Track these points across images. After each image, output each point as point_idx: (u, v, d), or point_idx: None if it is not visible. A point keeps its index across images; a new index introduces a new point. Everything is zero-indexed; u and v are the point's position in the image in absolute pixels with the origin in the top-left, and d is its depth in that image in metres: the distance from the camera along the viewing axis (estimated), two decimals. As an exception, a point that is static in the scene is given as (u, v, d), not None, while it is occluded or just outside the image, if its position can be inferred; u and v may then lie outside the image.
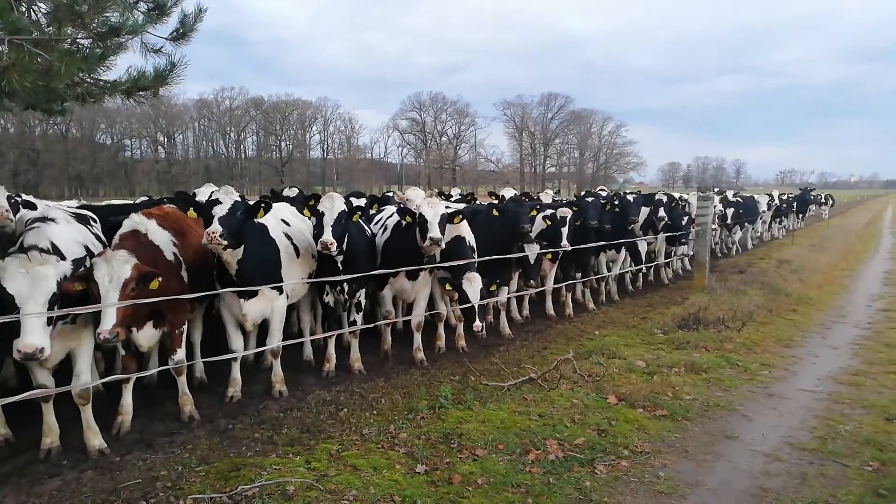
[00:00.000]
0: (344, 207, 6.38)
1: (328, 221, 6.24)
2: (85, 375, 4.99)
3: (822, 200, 33.85)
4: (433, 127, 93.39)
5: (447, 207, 7.80)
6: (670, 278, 14.03)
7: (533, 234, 8.98)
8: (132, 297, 4.72)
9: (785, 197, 26.37)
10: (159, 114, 77.73)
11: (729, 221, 17.76)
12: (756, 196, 22.35)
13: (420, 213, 6.90)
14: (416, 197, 9.05)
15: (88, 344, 5.01)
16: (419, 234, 6.90)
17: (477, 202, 12.45)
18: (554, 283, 10.22)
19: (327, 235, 6.19)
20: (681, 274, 14.82)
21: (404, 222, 7.11)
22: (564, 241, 9.14)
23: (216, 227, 5.33)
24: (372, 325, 7.61)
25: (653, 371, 6.92)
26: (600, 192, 16.38)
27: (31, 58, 4.68)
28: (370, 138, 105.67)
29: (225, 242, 5.35)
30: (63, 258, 4.79)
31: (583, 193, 15.78)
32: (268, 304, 6.16)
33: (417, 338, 7.68)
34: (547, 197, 12.65)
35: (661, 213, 12.10)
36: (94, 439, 5.02)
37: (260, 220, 5.99)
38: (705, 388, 6.48)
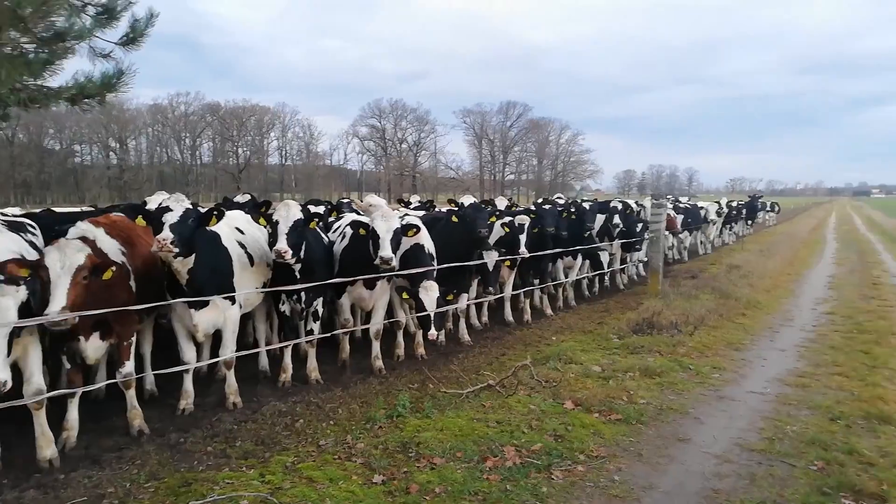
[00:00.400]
0: (300, 215, 6.31)
1: (283, 230, 6.16)
2: (37, 378, 4.78)
3: (768, 208, 35.01)
4: (393, 134, 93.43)
5: (404, 217, 7.80)
6: (625, 284, 14.30)
7: (492, 242, 9.04)
8: (84, 286, 4.63)
9: (735, 204, 27.19)
10: (111, 119, 75.66)
11: (678, 228, 18.19)
12: (702, 203, 22.94)
13: (373, 228, 6.81)
14: (380, 203, 9.03)
15: (35, 349, 4.81)
16: (371, 249, 6.84)
17: (436, 209, 12.49)
18: (512, 290, 10.31)
19: (282, 244, 6.11)
20: (636, 279, 15.11)
21: (359, 234, 7.07)
22: (522, 248, 9.22)
23: (167, 234, 5.20)
24: (329, 335, 7.53)
25: (608, 376, 7.03)
26: (557, 199, 16.61)
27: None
28: (330, 145, 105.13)
29: (175, 250, 5.23)
30: None
31: (540, 200, 15.94)
32: (220, 315, 6.02)
33: (376, 346, 7.62)
34: (501, 203, 12.74)
35: (616, 220, 12.34)
36: (47, 449, 4.85)
37: (212, 228, 5.88)
38: (659, 391, 6.61)
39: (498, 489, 4.48)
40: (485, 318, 10.24)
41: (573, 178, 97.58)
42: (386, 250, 6.64)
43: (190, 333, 6.03)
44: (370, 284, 7.33)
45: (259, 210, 6.50)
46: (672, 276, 14.50)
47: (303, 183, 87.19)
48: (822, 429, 5.60)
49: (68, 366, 5.31)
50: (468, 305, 9.53)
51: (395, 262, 6.75)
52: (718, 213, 22.59)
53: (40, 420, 4.85)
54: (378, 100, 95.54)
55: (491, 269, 8.88)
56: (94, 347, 5.24)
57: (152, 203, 7.26)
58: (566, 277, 11.70)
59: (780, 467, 4.88)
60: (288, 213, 6.24)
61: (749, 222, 29.54)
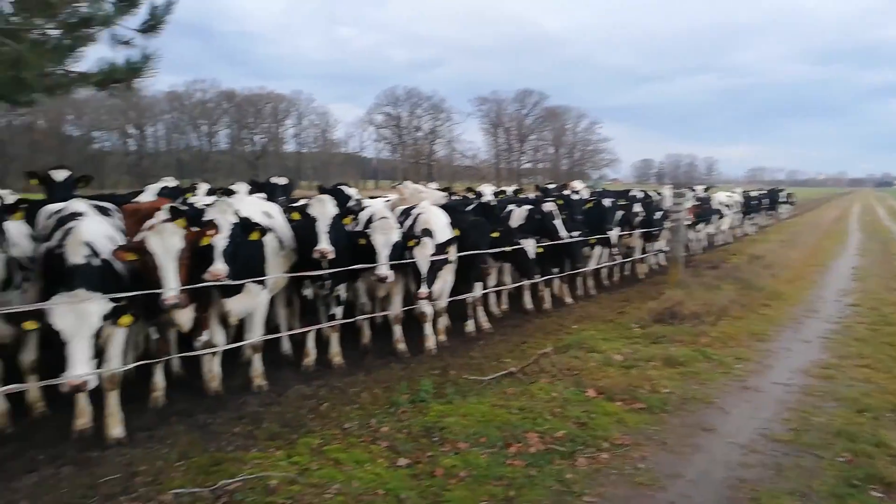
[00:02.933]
0: (336, 211, 6.43)
1: (322, 228, 6.28)
2: (116, 360, 5.11)
3: (784, 199, 34.17)
4: (409, 122, 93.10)
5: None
6: (645, 274, 14.21)
7: (522, 229, 9.12)
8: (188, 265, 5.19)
9: (755, 194, 26.86)
10: (129, 105, 76.09)
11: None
12: (717, 195, 22.43)
13: (310, 214, 6.47)
14: (427, 190, 9.14)
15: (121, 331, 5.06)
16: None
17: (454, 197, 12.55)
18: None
19: (324, 244, 6.24)
20: (656, 269, 15.02)
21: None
22: (563, 232, 9.28)
23: (219, 266, 5.39)
24: (352, 320, 7.57)
25: (630, 365, 7.01)
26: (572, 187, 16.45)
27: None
28: (345, 132, 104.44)
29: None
30: (97, 255, 4.89)
31: (554, 187, 15.72)
32: (252, 300, 6.11)
33: (397, 330, 7.66)
34: (488, 189, 12.68)
35: (637, 208, 12.27)
36: (115, 428, 5.08)
37: (245, 216, 5.96)
38: (682, 381, 6.57)
39: (522, 475, 4.50)
40: (504, 306, 10.24)
41: (590, 166, 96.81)
42: (323, 242, 6.34)
43: (221, 317, 6.14)
44: None
45: (295, 207, 6.62)
46: (693, 266, 14.39)
47: (319, 170, 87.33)
48: (848, 420, 5.54)
49: (156, 336, 5.74)
50: (487, 293, 9.52)
51: (332, 255, 6.40)
52: (731, 204, 21.90)
53: (111, 400, 5.12)
54: (393, 87, 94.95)
55: (531, 256, 8.86)
56: (187, 318, 5.61)
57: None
58: (585, 266, 11.64)
59: (807, 458, 4.84)
60: (325, 210, 6.33)
61: (770, 213, 29.20)
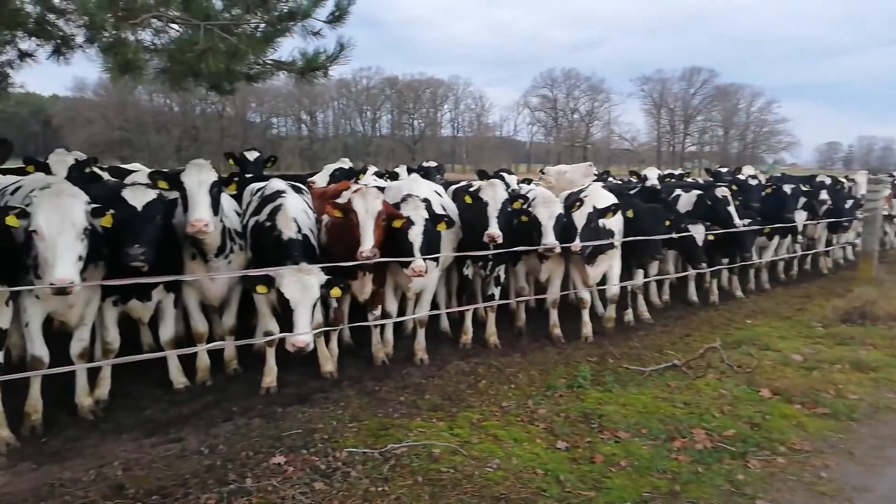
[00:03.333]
0: (506, 195, 6.57)
1: (493, 213, 6.43)
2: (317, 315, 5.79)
3: None
4: (565, 104, 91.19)
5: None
6: (830, 268, 12.86)
7: (693, 215, 8.70)
8: (382, 228, 5.65)
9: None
10: (303, 93, 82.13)
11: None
12: None
13: (482, 198, 6.61)
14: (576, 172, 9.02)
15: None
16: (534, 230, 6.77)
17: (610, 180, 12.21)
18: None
19: (494, 228, 6.40)
20: (841, 264, 13.54)
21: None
22: (737, 221, 8.82)
23: (420, 263, 5.81)
24: (507, 301, 7.67)
25: (812, 366, 6.42)
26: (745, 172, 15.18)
27: (219, 41, 5.13)
28: (500, 116, 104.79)
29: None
30: (300, 230, 5.55)
31: (726, 171, 14.46)
32: (429, 276, 6.44)
33: (553, 314, 7.64)
34: (652, 173, 12.02)
35: (824, 196, 11.11)
36: (327, 365, 6.13)
37: (426, 196, 6.34)
38: (874, 388, 5.91)
39: (688, 470, 4.33)
40: (666, 297, 9.79)
41: (765, 150, 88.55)
42: (549, 237, 6.58)
43: (398, 291, 6.58)
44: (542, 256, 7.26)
45: (468, 191, 6.88)
46: (888, 262, 12.79)
47: (473, 154, 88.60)
48: None
49: (334, 305, 6.28)
50: (648, 282, 9.16)
51: (558, 249, 6.63)
52: None
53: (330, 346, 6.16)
54: (551, 69, 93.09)
55: (700, 243, 8.44)
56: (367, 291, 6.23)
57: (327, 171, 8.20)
58: (759, 258, 10.77)
59: None
60: (496, 194, 6.48)
61: None
